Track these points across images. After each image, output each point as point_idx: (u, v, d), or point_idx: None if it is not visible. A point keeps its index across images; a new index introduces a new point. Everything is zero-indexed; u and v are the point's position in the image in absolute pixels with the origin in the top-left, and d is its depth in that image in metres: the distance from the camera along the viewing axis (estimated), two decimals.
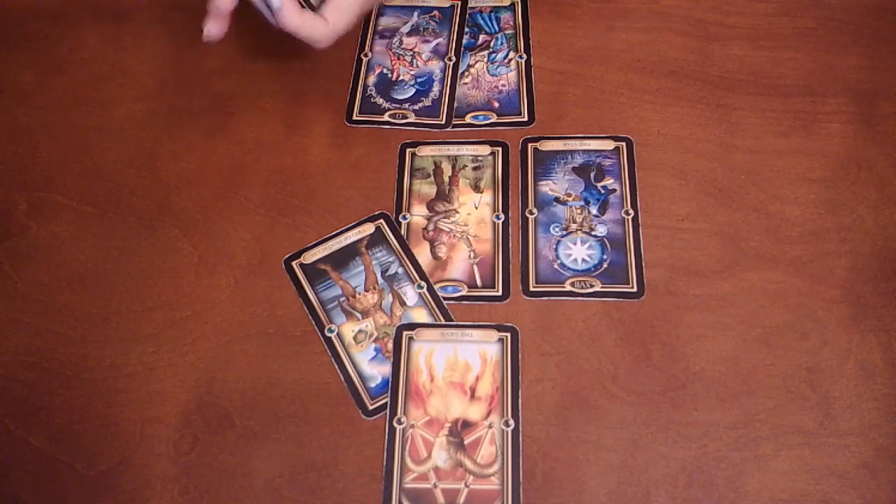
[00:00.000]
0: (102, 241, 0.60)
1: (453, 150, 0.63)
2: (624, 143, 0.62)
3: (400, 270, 0.58)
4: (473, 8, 0.70)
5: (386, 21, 0.70)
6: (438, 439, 0.52)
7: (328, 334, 0.56)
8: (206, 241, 0.60)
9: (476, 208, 0.61)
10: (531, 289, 0.57)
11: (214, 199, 0.62)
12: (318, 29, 0.58)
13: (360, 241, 0.60)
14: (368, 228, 0.60)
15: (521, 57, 0.67)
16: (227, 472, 0.52)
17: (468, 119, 0.64)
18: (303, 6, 0.57)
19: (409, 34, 0.69)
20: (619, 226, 0.59)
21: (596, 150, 0.62)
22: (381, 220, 0.60)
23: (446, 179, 0.62)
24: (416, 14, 0.70)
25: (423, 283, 0.58)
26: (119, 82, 0.68)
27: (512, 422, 0.52)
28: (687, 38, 0.67)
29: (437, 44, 0.68)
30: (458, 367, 0.54)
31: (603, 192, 0.61)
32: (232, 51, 0.69)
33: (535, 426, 0.53)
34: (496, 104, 0.65)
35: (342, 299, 0.57)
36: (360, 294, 0.57)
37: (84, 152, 0.64)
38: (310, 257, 0.59)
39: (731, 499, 0.50)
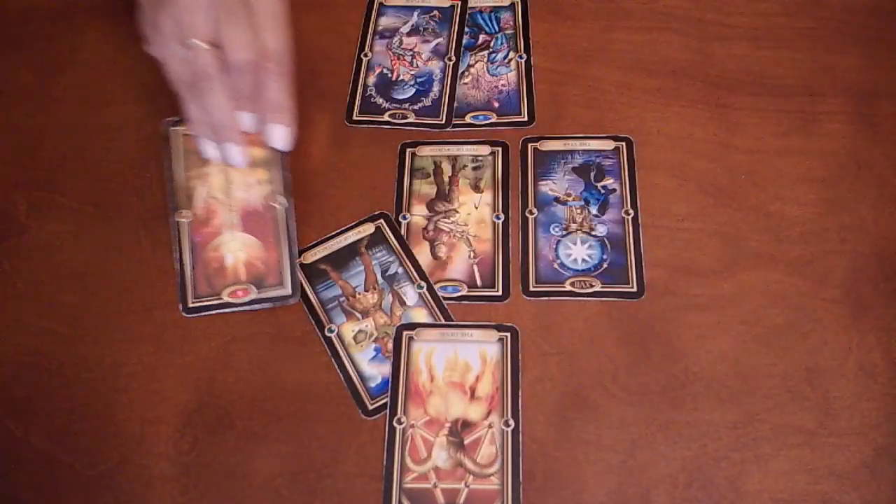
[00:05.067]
0: (102, 241, 0.60)
1: (453, 150, 0.63)
2: (624, 143, 0.62)
3: (400, 270, 0.58)
4: (473, 8, 0.70)
5: (386, 21, 0.70)
6: (438, 439, 0.52)
7: (328, 334, 0.56)
8: None
9: (476, 208, 0.61)
10: (531, 289, 0.57)
11: None
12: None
13: (360, 241, 0.60)
14: (368, 228, 0.60)
15: (521, 57, 0.67)
16: (227, 472, 0.52)
17: (468, 119, 0.64)
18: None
19: (409, 34, 0.69)
20: (619, 226, 0.59)
21: (596, 150, 0.62)
22: (381, 220, 0.60)
23: (446, 179, 0.62)
24: (416, 14, 0.70)
25: (423, 283, 0.58)
26: (119, 82, 0.68)
27: (512, 422, 0.52)
28: (687, 38, 0.67)
29: (437, 44, 0.68)
30: (458, 367, 0.54)
31: (603, 192, 0.61)
32: None
33: (535, 426, 0.53)
34: (496, 104, 0.65)
35: (342, 299, 0.57)
36: (360, 294, 0.57)
37: (84, 152, 0.64)
38: (310, 257, 0.59)
39: (730, 499, 0.50)
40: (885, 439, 0.51)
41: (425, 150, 0.63)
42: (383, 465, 0.52)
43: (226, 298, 0.55)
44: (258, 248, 0.56)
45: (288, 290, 0.54)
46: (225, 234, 0.56)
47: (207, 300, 0.55)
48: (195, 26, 0.54)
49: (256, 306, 0.55)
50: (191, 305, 0.55)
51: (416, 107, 0.65)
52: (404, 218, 0.60)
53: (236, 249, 0.55)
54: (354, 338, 0.56)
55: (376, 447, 0.52)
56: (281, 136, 0.57)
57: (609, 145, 0.63)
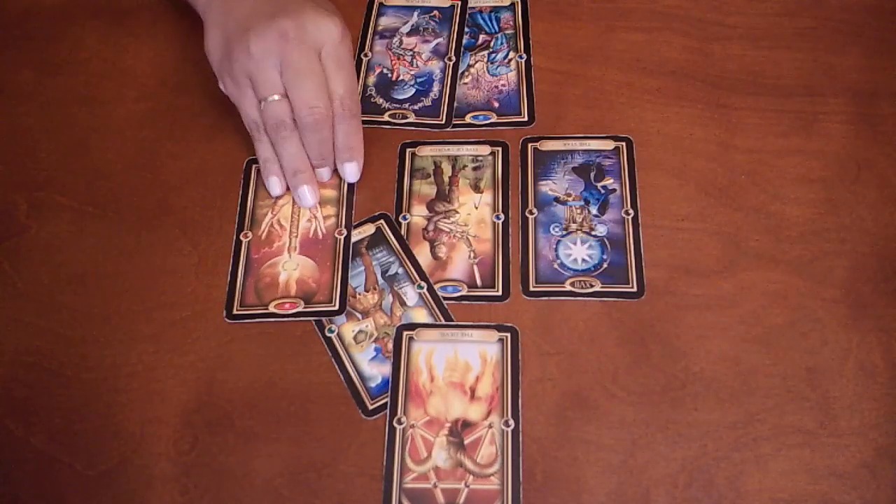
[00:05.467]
0: (102, 241, 0.60)
1: (453, 150, 0.63)
2: (624, 143, 0.62)
3: (400, 270, 0.58)
4: (473, 8, 0.70)
5: (386, 21, 0.70)
6: (438, 439, 0.52)
7: (328, 334, 0.56)
8: (206, 241, 0.60)
9: (476, 208, 0.61)
10: (531, 289, 0.57)
11: (214, 199, 0.62)
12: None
13: (360, 241, 0.60)
14: (368, 229, 0.60)
15: (521, 57, 0.67)
16: (227, 472, 0.52)
17: (468, 119, 0.64)
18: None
19: (409, 34, 0.69)
20: (619, 226, 0.59)
21: (596, 150, 0.62)
22: (381, 221, 0.60)
23: (446, 179, 0.62)
24: (416, 14, 0.70)
25: (423, 284, 0.58)
26: (119, 82, 0.68)
27: (512, 422, 0.52)
28: (687, 38, 0.67)
29: (437, 44, 0.68)
30: (458, 367, 0.54)
31: (603, 192, 0.61)
32: None
33: (535, 426, 0.53)
34: (496, 104, 0.65)
35: None
36: (360, 294, 0.57)
37: (84, 152, 0.64)
38: None
39: (730, 499, 0.50)
40: (885, 439, 0.51)
41: (425, 150, 0.63)
42: (383, 465, 0.52)
43: (272, 309, 0.56)
44: (313, 270, 0.58)
45: (336, 307, 0.56)
46: (283, 255, 0.58)
47: (252, 310, 0.57)
48: (269, 82, 0.57)
49: (302, 318, 0.56)
50: (235, 313, 0.57)
51: (416, 107, 0.65)
52: (404, 218, 0.60)
53: (291, 269, 0.58)
54: (354, 338, 0.56)
55: (376, 447, 0.52)
56: (352, 171, 0.61)
57: (609, 145, 0.63)
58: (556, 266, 0.58)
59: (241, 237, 0.59)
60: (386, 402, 0.53)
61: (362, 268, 0.58)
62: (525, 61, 0.67)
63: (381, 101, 0.66)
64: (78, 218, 0.61)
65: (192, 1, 0.64)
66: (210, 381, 0.55)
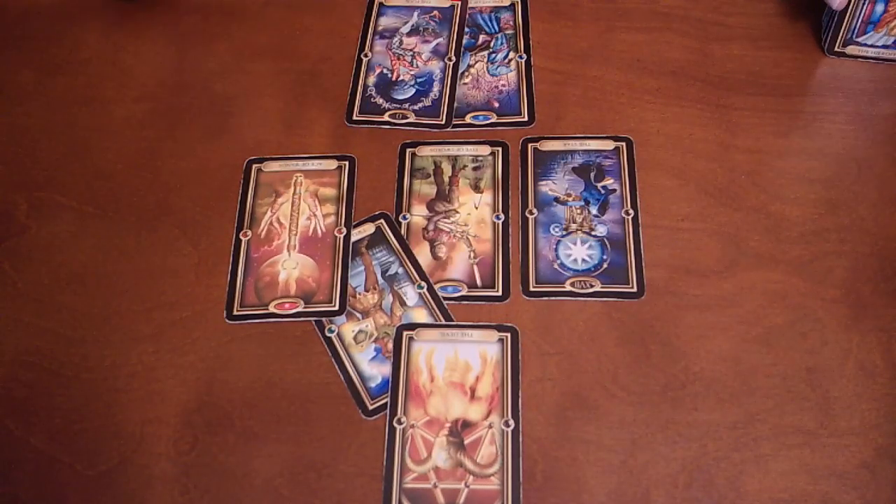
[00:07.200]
0: (102, 241, 0.60)
1: (453, 150, 0.63)
2: (624, 143, 0.62)
3: (400, 270, 0.58)
4: (473, 8, 0.70)
5: (386, 21, 0.70)
6: (438, 439, 0.52)
7: (328, 334, 0.56)
8: (206, 241, 0.60)
9: (476, 208, 0.61)
10: (531, 289, 0.57)
11: (214, 199, 0.62)
12: None
13: (360, 241, 0.60)
14: (368, 228, 0.60)
15: (521, 57, 0.67)
16: (227, 472, 0.52)
17: (468, 119, 0.64)
18: None
19: (409, 34, 0.69)
20: (619, 226, 0.59)
21: (596, 150, 0.62)
22: (382, 220, 0.60)
23: (446, 179, 0.62)
24: (416, 14, 0.70)
25: (423, 283, 0.58)
26: (119, 82, 0.68)
27: (512, 422, 0.52)
28: (687, 38, 0.67)
29: (437, 44, 0.68)
30: (458, 367, 0.54)
31: (603, 192, 0.61)
32: (232, 51, 0.69)
33: (535, 426, 0.53)
34: (496, 104, 0.65)
35: None
36: (360, 294, 0.57)
37: (84, 152, 0.64)
38: None
39: (730, 499, 0.50)
40: (885, 439, 0.51)
41: (425, 150, 0.63)
42: (383, 465, 0.52)
43: (272, 309, 0.56)
44: (312, 269, 0.58)
45: (336, 307, 0.56)
46: (283, 254, 0.58)
47: (252, 310, 0.57)
48: None
49: (302, 318, 0.56)
50: (235, 313, 0.57)
51: (416, 107, 0.65)
52: (404, 218, 0.60)
53: (290, 267, 0.58)
54: (354, 338, 0.56)
55: (376, 447, 0.52)
56: None
57: (609, 145, 0.63)
58: (556, 266, 0.58)
59: (241, 236, 0.59)
60: (386, 402, 0.53)
61: (362, 267, 0.58)
62: (525, 61, 0.67)
63: (381, 101, 0.66)
64: (78, 218, 0.61)
65: None
66: (210, 381, 0.55)
